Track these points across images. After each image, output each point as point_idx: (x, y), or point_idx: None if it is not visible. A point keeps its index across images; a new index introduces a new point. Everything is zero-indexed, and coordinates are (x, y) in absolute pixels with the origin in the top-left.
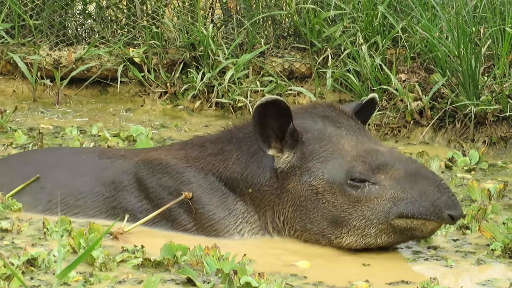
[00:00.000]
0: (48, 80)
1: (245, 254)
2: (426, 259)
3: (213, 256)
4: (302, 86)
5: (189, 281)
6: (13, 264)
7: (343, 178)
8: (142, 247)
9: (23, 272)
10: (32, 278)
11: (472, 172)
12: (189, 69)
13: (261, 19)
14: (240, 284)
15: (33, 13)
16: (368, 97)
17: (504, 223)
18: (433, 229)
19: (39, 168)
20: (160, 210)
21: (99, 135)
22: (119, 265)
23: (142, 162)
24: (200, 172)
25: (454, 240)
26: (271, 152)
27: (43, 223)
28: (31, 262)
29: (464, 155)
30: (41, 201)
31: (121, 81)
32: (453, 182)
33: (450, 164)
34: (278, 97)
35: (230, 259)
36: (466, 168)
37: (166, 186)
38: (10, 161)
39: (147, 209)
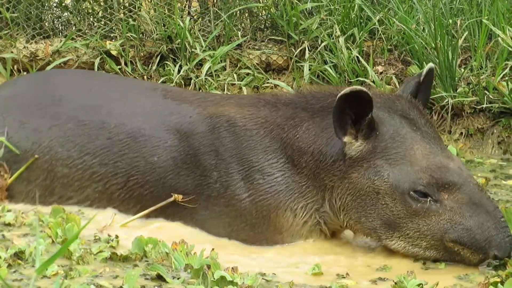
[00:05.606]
0: (25, 73)
1: (213, 249)
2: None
3: (181, 251)
4: (279, 79)
5: (159, 276)
6: (0, 258)
7: (406, 187)
8: (117, 237)
9: (9, 265)
10: (15, 272)
11: None
12: (166, 62)
13: (238, 12)
14: (214, 279)
15: (10, 6)
16: (425, 70)
17: None
18: (480, 260)
19: (102, 101)
20: (151, 208)
21: None
22: (96, 257)
23: (210, 116)
24: (267, 136)
25: None
26: (346, 139)
27: (38, 215)
28: (19, 255)
29: None
30: (101, 139)
31: None
32: None
33: None
34: (363, 89)
35: (198, 254)
36: None
37: (229, 148)
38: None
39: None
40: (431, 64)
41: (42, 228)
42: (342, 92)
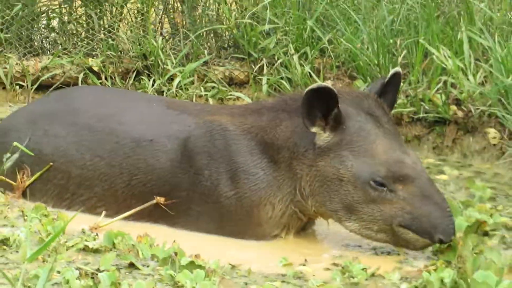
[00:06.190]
0: (17, 86)
1: (174, 241)
2: (358, 245)
3: (145, 243)
4: (241, 91)
5: (131, 265)
6: None
7: (367, 177)
8: (96, 234)
9: None
10: (1, 256)
11: None
12: (142, 77)
13: (205, 32)
14: (182, 264)
15: (3, 27)
16: (391, 73)
17: None
18: (424, 245)
19: (113, 110)
20: (138, 208)
21: None
22: (70, 248)
23: (205, 122)
24: (253, 140)
25: None
26: (314, 129)
27: (22, 211)
28: (4, 242)
29: None
30: (110, 143)
31: None
32: None
33: None
34: (329, 85)
35: (161, 245)
36: None
37: (220, 150)
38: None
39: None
40: (397, 68)
41: (25, 222)
42: (310, 87)
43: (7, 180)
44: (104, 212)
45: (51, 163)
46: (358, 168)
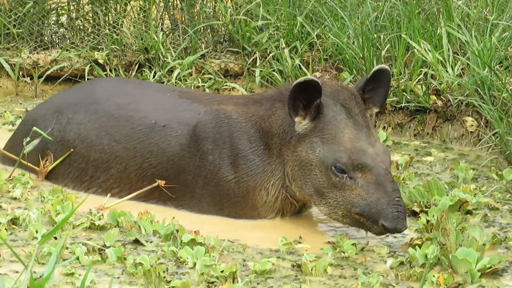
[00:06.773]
0: (28, 77)
1: (174, 217)
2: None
3: (146, 220)
4: (235, 82)
5: (136, 241)
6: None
7: (330, 163)
8: (102, 214)
9: (6, 229)
10: (11, 234)
11: None
12: (143, 69)
13: (202, 28)
14: (184, 241)
15: (16, 23)
16: (374, 69)
17: (414, 188)
18: (380, 232)
19: (131, 99)
20: (141, 191)
21: None
22: (76, 226)
23: (212, 111)
24: (253, 127)
25: None
26: (296, 119)
27: (41, 193)
28: (14, 221)
29: None
30: (126, 129)
31: (88, 79)
32: None
33: None
34: (315, 78)
35: (161, 222)
36: None
37: (223, 136)
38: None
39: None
40: (384, 66)
41: (42, 203)
42: (297, 81)
43: (31, 165)
44: (109, 194)
45: (72, 149)
46: (324, 153)
